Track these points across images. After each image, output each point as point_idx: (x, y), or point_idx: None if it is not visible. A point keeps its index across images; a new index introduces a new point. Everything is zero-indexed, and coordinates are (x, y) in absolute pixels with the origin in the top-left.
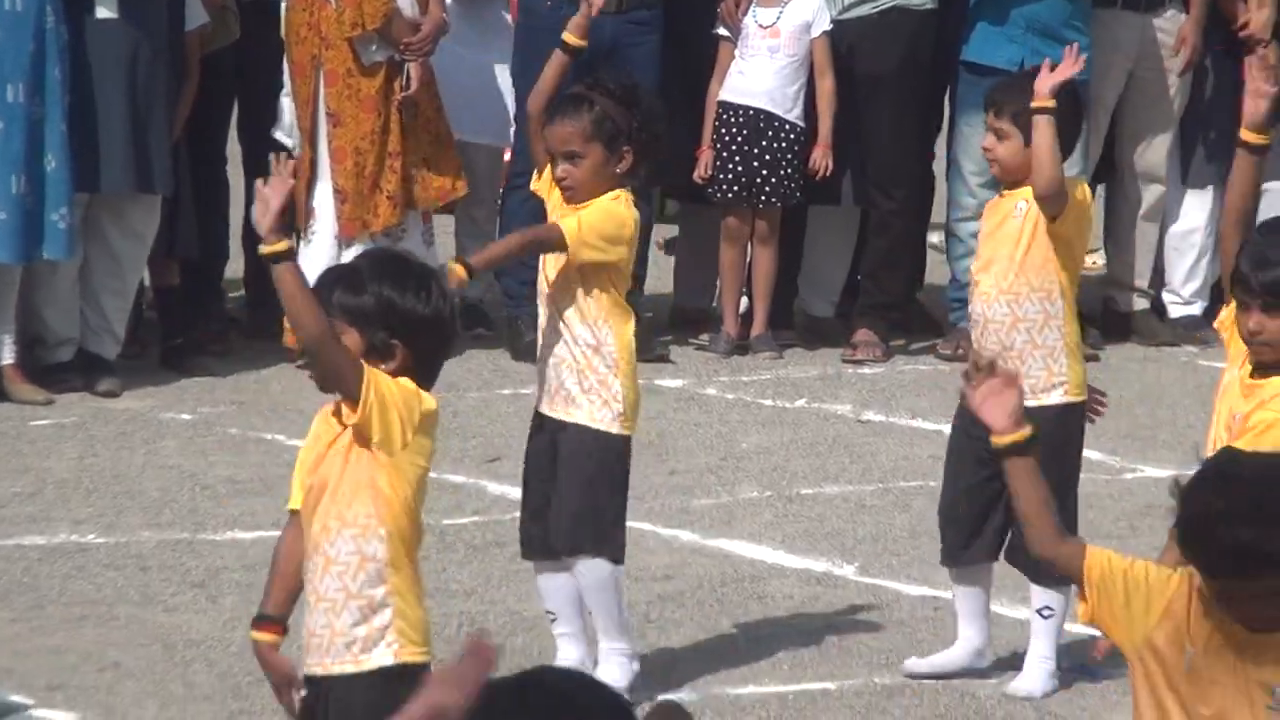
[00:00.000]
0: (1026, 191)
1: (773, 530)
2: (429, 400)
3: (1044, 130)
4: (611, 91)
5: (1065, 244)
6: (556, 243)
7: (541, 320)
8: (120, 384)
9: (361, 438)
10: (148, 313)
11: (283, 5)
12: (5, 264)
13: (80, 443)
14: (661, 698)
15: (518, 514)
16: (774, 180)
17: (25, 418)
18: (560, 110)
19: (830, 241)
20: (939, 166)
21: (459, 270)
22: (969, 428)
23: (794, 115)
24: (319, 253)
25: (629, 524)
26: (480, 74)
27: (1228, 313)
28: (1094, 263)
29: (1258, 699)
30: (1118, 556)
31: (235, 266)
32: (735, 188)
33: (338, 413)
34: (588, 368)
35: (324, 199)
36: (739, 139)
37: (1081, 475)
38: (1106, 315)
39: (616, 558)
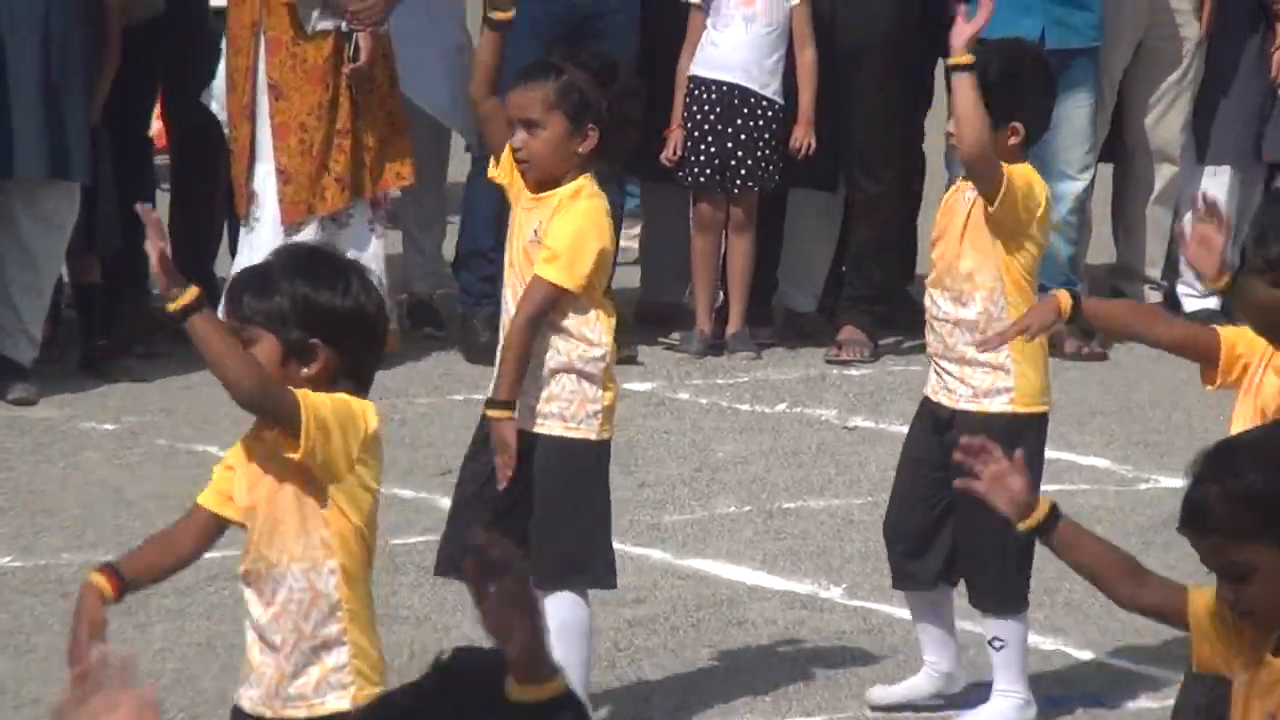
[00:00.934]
0: None
1: (752, 549)
2: (371, 418)
3: (963, 89)
4: (585, 63)
5: (1009, 235)
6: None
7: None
8: (36, 391)
9: (303, 467)
10: (66, 312)
11: None
12: None
13: None
14: None
15: None
16: (750, 162)
17: None
18: (524, 74)
19: (812, 229)
20: (930, 146)
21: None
22: (918, 436)
23: (772, 91)
24: (264, 239)
25: None
26: (431, 36)
27: None
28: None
29: None
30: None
31: None
32: (708, 170)
33: (266, 430)
34: (564, 367)
35: (266, 180)
36: (711, 117)
37: (1091, 486)
38: None
39: (610, 582)
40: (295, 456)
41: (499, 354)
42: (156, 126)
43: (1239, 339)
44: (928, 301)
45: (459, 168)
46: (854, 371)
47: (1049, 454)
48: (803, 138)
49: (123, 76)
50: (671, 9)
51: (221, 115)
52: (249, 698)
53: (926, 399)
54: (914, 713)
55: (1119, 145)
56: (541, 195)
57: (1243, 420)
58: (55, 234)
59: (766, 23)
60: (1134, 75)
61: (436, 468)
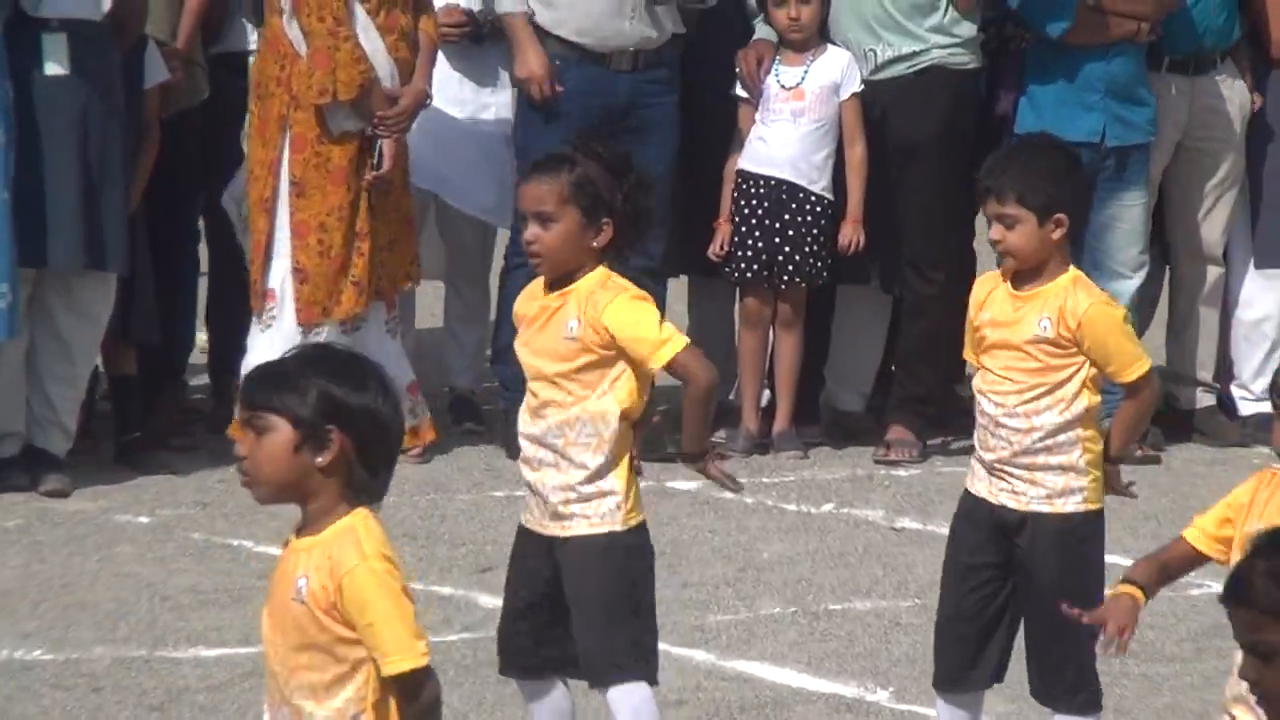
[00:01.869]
0: (1050, 297)
1: (797, 650)
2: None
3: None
4: (599, 155)
5: (1109, 357)
6: (700, 376)
7: (524, 414)
8: (70, 482)
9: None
10: (101, 404)
11: (251, 53)
12: None
13: (25, 548)
14: None
15: None
16: (798, 258)
17: None
18: (537, 167)
19: (861, 327)
20: (981, 245)
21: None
22: (966, 535)
23: (820, 187)
24: (282, 340)
25: None
26: (475, 138)
27: None
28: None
29: None
30: None
31: (200, 352)
32: (755, 266)
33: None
34: (580, 456)
35: (283, 278)
36: (759, 212)
37: None
38: (1168, 413)
39: (653, 677)
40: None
41: (688, 412)
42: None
43: (1205, 525)
44: (985, 403)
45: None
46: (902, 472)
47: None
48: (851, 235)
49: (163, 164)
50: (718, 102)
51: (231, 209)
52: None
53: (981, 501)
54: None
55: (1158, 246)
56: (564, 290)
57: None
58: (90, 325)
59: (816, 118)
60: (1173, 175)
61: (476, 565)
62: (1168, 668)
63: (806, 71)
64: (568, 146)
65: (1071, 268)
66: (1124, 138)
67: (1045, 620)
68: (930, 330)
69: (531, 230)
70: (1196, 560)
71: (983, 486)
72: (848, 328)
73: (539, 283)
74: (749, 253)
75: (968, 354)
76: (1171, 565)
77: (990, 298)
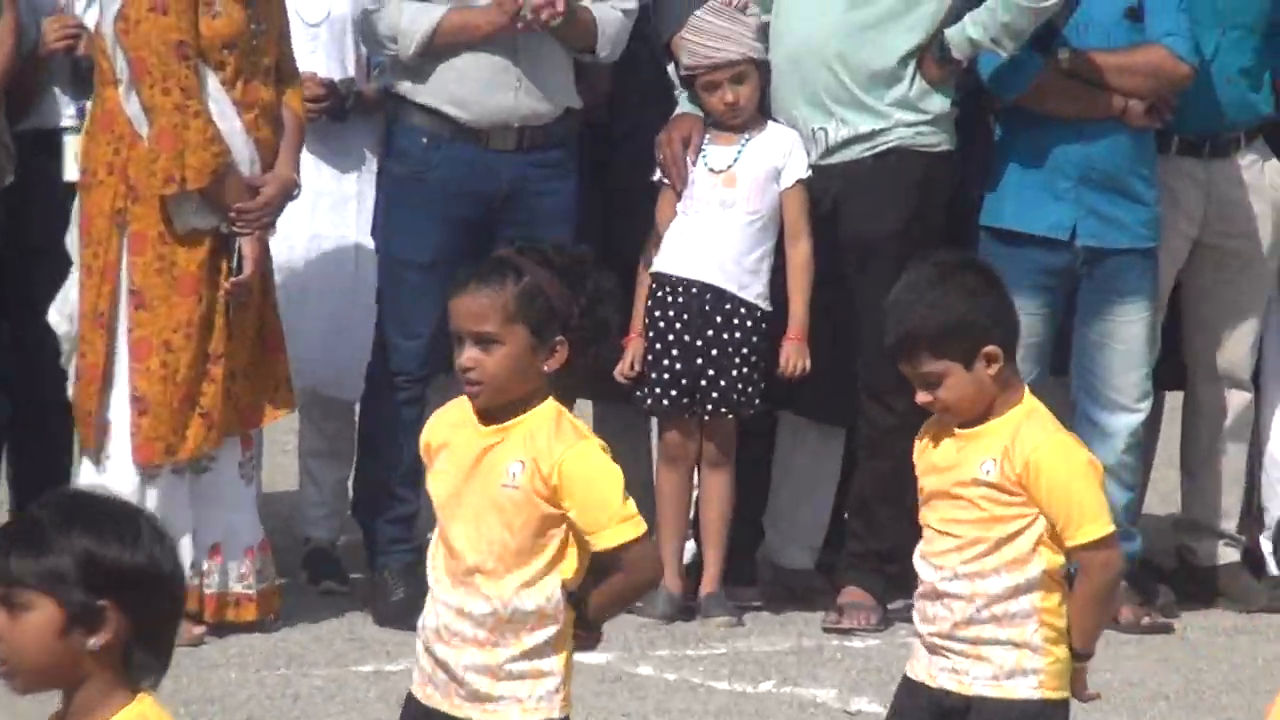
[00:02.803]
0: (996, 434)
1: None
2: None
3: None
4: (549, 260)
5: (1060, 508)
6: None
7: (438, 575)
8: None
9: None
10: None
11: (76, 132)
12: None
13: None
14: None
15: None
16: (723, 382)
17: None
18: (476, 277)
19: (808, 467)
20: None
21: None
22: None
23: (754, 294)
24: (118, 480)
25: None
26: (332, 306)
27: None
28: None
29: None
30: None
31: None
32: (673, 391)
33: None
34: (514, 633)
35: (120, 409)
36: (678, 325)
37: None
38: (1183, 570)
39: None
40: None
41: (611, 599)
42: None
43: None
44: (925, 568)
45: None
46: (858, 643)
47: None
48: (793, 357)
49: None
50: (630, 184)
51: (62, 328)
52: None
53: (919, 686)
54: None
55: (1166, 368)
56: (505, 425)
57: None
58: None
59: (750, 210)
60: (1190, 279)
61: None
62: None
63: (740, 151)
64: (509, 250)
65: (1027, 397)
66: (1103, 238)
67: None
68: (892, 470)
69: (469, 354)
70: None
71: (921, 668)
72: (792, 467)
73: (460, 405)
74: (665, 375)
75: (921, 516)
76: None
77: (932, 445)
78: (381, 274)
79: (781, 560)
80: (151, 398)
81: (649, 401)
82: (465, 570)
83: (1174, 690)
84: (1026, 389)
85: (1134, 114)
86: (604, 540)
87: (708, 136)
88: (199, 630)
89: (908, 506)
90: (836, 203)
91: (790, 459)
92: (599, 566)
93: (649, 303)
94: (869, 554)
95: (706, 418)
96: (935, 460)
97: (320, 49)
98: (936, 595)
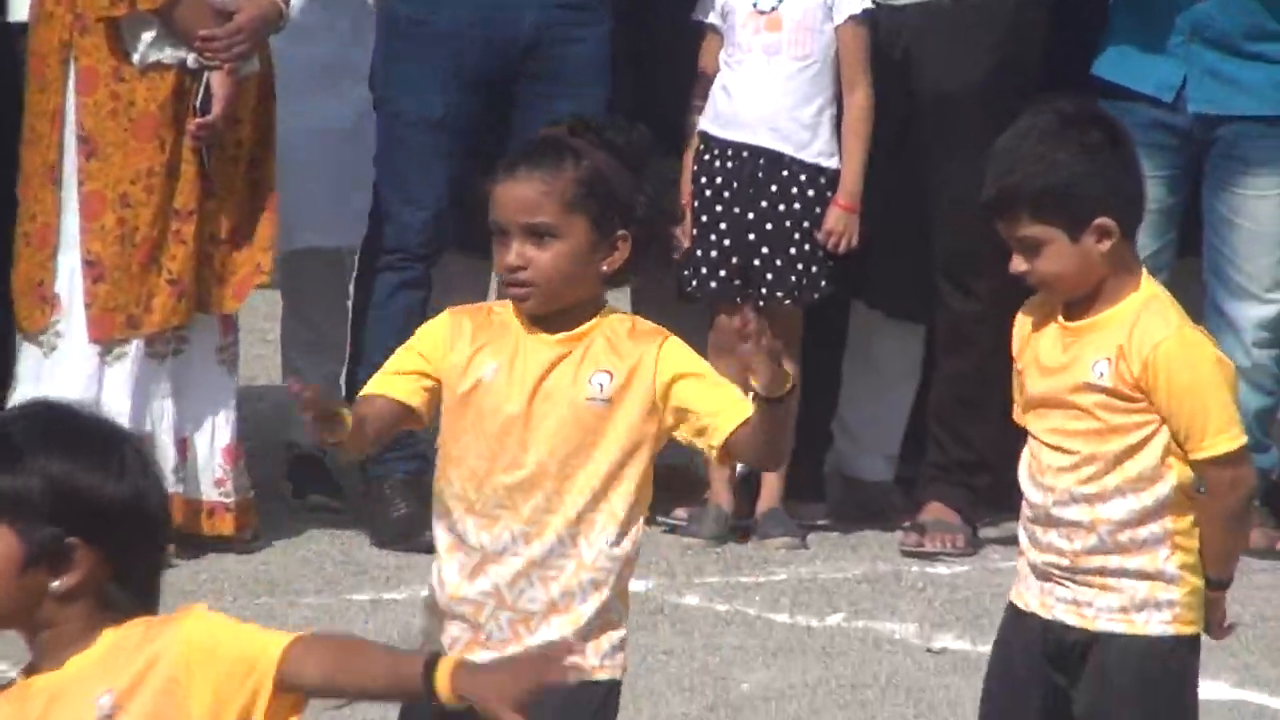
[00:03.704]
0: (1112, 327)
1: None
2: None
3: None
4: (610, 143)
5: (1183, 415)
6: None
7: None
8: None
9: None
10: None
11: None
12: None
13: None
14: None
15: None
16: (780, 262)
17: None
18: (528, 159)
19: (885, 363)
20: None
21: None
22: (1010, 665)
23: (814, 153)
24: (70, 366)
25: None
26: (320, 144)
27: None
28: None
29: None
30: None
31: None
32: (722, 271)
33: None
34: (599, 583)
35: (71, 278)
36: (726, 194)
37: None
38: None
39: None
40: None
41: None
42: None
43: None
44: (1031, 488)
45: None
46: (943, 569)
47: (1226, 694)
48: (837, 226)
49: None
50: (680, 35)
51: None
52: None
53: (1030, 617)
54: None
55: None
56: (574, 334)
57: None
58: None
59: (799, 55)
60: None
61: (324, 700)
62: None
63: None
64: (562, 129)
65: (1145, 281)
66: (1221, 104)
67: None
68: (977, 366)
69: (520, 251)
70: None
71: (1033, 598)
72: (866, 362)
73: (500, 308)
74: (714, 253)
75: (1016, 414)
76: None
77: (1035, 333)
78: (380, 133)
79: (853, 471)
80: (107, 261)
81: (695, 284)
82: (532, 511)
83: None
84: (1145, 272)
85: None
86: (726, 431)
87: None
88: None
89: (997, 408)
90: (908, 50)
91: (864, 354)
92: None
93: (695, 167)
94: (953, 464)
95: (764, 303)
96: (1042, 358)
97: None
98: (1050, 522)
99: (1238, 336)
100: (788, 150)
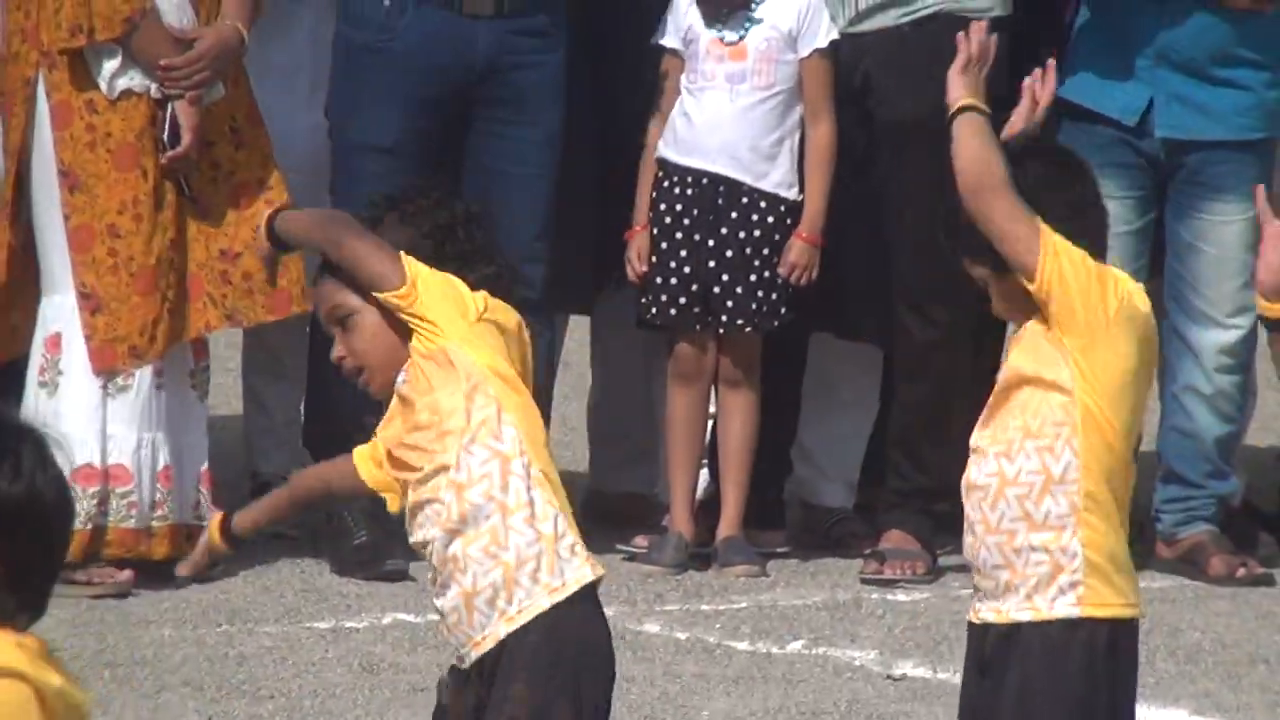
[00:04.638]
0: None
1: None
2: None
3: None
4: (412, 216)
5: (1084, 355)
6: None
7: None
8: None
9: None
10: None
11: None
12: None
13: None
14: None
15: None
16: (742, 289)
17: None
18: (323, 268)
19: (844, 389)
20: None
21: (216, 540)
22: (969, 686)
23: (774, 184)
24: (77, 400)
25: None
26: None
27: None
28: None
29: None
30: None
31: None
32: (682, 299)
33: None
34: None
35: (66, 313)
36: (685, 222)
37: None
38: None
39: None
40: None
41: None
42: None
43: None
44: (971, 467)
45: None
46: (902, 596)
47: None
48: (798, 258)
49: None
50: (635, 53)
51: None
52: None
53: (973, 629)
54: None
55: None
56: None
57: None
58: None
59: (763, 84)
60: None
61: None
62: None
63: (751, 16)
64: (368, 209)
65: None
66: (1186, 128)
67: None
68: (937, 393)
69: (336, 346)
70: None
71: (973, 608)
72: (825, 390)
73: None
74: (674, 279)
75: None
76: None
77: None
78: (336, 160)
79: (813, 498)
80: (102, 292)
81: (653, 312)
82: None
83: (1275, 653)
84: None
85: None
86: None
87: None
88: (124, 576)
89: (957, 434)
90: (869, 77)
91: (823, 380)
92: None
93: (653, 195)
94: (913, 491)
95: (723, 330)
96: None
97: None
98: (970, 496)
99: (1198, 361)
100: (746, 179)
